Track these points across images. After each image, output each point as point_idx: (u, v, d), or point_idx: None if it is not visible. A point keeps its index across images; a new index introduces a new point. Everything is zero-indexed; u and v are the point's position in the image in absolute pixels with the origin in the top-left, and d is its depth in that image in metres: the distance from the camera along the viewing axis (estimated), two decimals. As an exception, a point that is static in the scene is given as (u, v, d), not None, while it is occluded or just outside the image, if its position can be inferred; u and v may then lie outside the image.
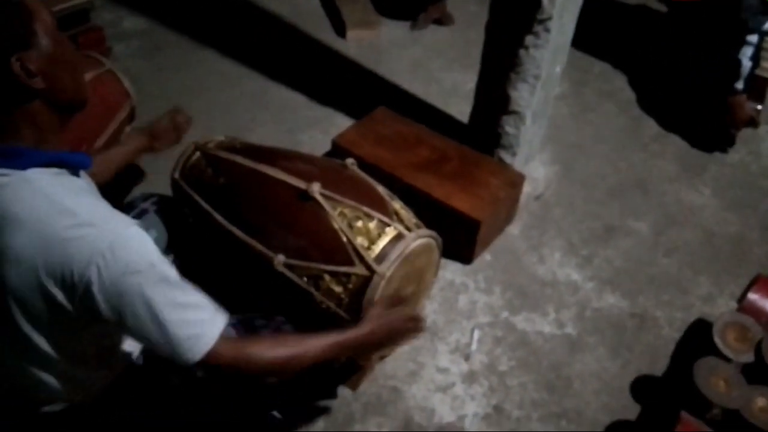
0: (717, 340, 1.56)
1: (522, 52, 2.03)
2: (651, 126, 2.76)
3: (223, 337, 0.99)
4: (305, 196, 1.44)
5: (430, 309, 1.95)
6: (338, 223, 1.40)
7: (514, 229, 2.26)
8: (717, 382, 1.48)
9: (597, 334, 1.93)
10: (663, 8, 3.46)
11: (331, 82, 2.86)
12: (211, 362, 0.98)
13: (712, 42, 2.73)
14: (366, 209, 1.46)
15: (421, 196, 2.01)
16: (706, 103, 2.67)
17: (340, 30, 3.17)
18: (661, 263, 2.17)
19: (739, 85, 2.51)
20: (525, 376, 1.80)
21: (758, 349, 1.56)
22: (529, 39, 2.00)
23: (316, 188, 1.43)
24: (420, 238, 1.47)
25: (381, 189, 1.58)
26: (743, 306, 1.68)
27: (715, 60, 2.65)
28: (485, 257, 2.14)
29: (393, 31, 3.24)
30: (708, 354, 1.58)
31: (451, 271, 2.08)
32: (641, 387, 1.78)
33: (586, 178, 2.49)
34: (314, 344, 1.11)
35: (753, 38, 2.50)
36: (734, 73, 2.52)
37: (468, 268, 2.10)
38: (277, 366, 1.07)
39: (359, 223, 1.43)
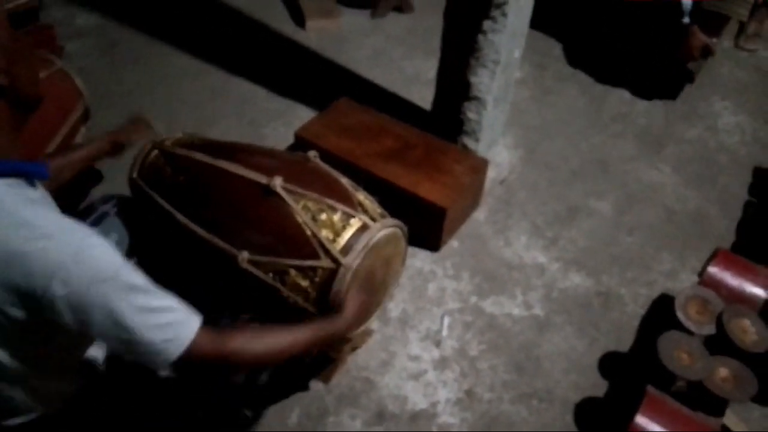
0: (679, 314, 1.60)
1: (480, 37, 2.03)
2: (611, 107, 2.80)
3: (202, 333, 0.97)
4: (267, 190, 1.42)
5: (399, 298, 1.96)
6: (302, 217, 1.39)
7: (480, 214, 2.27)
8: (680, 355, 1.52)
9: (564, 314, 1.96)
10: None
11: (292, 74, 2.83)
12: (193, 359, 0.96)
13: None
14: (330, 201, 1.45)
15: (386, 186, 2.01)
16: (656, 46, 2.72)
17: (300, 20, 3.13)
18: (625, 241, 2.21)
19: (686, 19, 2.58)
20: (495, 359, 1.82)
21: (719, 321, 1.60)
22: (486, 24, 2.00)
23: (278, 182, 1.41)
24: (385, 228, 1.46)
25: (344, 180, 1.57)
26: (704, 279, 1.72)
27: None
28: (453, 244, 2.15)
29: (353, 19, 3.22)
30: (671, 328, 1.62)
31: (419, 259, 2.09)
32: (608, 364, 1.82)
33: (549, 161, 2.52)
34: (297, 335, 1.12)
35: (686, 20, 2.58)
36: (677, 11, 2.58)
37: (436, 255, 2.11)
38: (261, 358, 1.06)
39: (323, 216, 1.41)
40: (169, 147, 1.62)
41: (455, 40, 2.14)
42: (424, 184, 2.03)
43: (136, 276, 0.94)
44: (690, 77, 2.74)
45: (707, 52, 2.64)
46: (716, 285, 1.70)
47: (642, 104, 2.82)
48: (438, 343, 1.84)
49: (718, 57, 3.04)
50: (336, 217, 1.43)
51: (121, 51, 2.88)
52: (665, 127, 2.70)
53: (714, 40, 2.65)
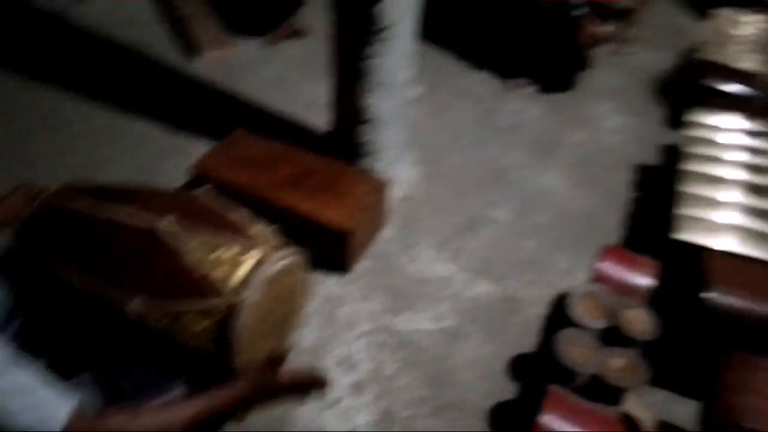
0: (572, 311, 1.69)
1: (368, 61, 2.08)
2: (504, 117, 2.93)
3: (77, 415, 0.93)
4: (155, 234, 1.38)
5: (311, 326, 1.95)
6: (194, 257, 1.36)
7: (387, 232, 2.31)
8: (576, 351, 1.60)
9: (473, 323, 2.02)
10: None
11: (188, 108, 2.78)
12: None
13: None
14: (222, 239, 1.43)
15: (288, 214, 2.00)
16: (553, 41, 2.93)
17: (193, 52, 3.09)
18: (524, 246, 2.31)
19: (577, 12, 2.80)
20: (410, 376, 1.85)
21: (611, 314, 1.70)
22: (373, 48, 2.05)
23: (166, 224, 1.38)
24: (283, 260, 1.46)
25: (238, 214, 1.55)
26: (594, 276, 1.82)
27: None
28: (362, 265, 2.17)
29: (248, 48, 3.21)
30: (569, 325, 1.70)
31: (329, 284, 2.09)
32: (516, 367, 1.89)
33: (449, 175, 2.60)
34: (180, 413, 1.08)
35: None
36: (567, 7, 2.80)
37: (346, 278, 2.12)
38: None
39: (216, 254, 1.39)
40: (52, 196, 1.55)
41: (344, 65, 2.18)
42: (326, 209, 2.04)
43: (3, 352, 0.90)
44: (590, 64, 3.03)
45: (600, 39, 2.88)
46: (606, 280, 1.81)
47: (532, 112, 2.97)
48: (352, 368, 1.85)
49: (599, 62, 3.26)
50: (230, 254, 1.41)
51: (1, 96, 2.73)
52: (554, 133, 2.86)
53: (607, 28, 2.95)
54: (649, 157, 2.73)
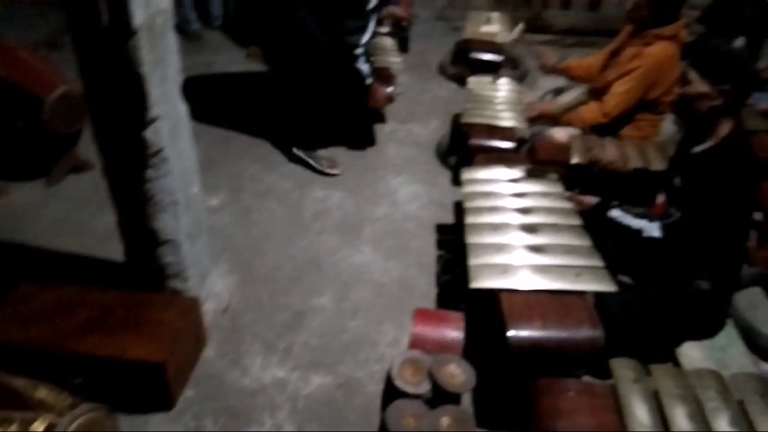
0: (396, 382, 1.73)
1: (148, 185, 2.04)
2: (309, 208, 3.03)
3: None
4: None
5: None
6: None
7: (209, 352, 2.22)
8: (407, 421, 1.63)
9: (314, 420, 1.99)
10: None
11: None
12: None
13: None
14: (1, 414, 1.27)
15: (93, 361, 1.86)
16: (351, 107, 3.37)
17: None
18: (351, 327, 2.35)
19: (369, 80, 3.24)
20: (257, 498, 1.75)
21: (431, 376, 1.77)
22: (150, 172, 2.02)
23: None
24: (78, 419, 1.34)
25: (18, 382, 1.40)
26: (411, 342, 1.90)
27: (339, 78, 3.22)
28: (187, 394, 2.05)
29: (26, 192, 2.99)
30: (399, 396, 1.74)
31: (153, 424, 1.94)
32: (363, 452, 1.88)
33: (266, 275, 2.59)
34: None
35: (359, 50, 3.18)
36: (360, 78, 3.22)
37: (172, 413, 1.98)
38: None
39: (-6, 435, 1.24)
40: None
41: (125, 194, 2.12)
42: (133, 346, 1.91)
43: None
44: (383, 118, 3.65)
45: (390, 100, 3.43)
46: (422, 343, 1.89)
47: (335, 197, 3.11)
48: None
49: (385, 139, 3.56)
50: (13, 428, 1.26)
51: None
52: (359, 213, 3.01)
53: (391, 88, 3.42)
54: (445, 216, 2.98)
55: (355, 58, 3.19)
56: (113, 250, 2.59)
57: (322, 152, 3.38)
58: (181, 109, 2.10)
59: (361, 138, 3.57)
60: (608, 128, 2.98)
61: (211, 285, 2.46)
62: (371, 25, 3.18)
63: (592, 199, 2.23)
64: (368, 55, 3.30)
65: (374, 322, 2.37)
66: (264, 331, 2.31)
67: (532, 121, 3.20)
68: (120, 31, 1.72)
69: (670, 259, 2.02)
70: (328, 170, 3.31)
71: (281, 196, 3.10)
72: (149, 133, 1.93)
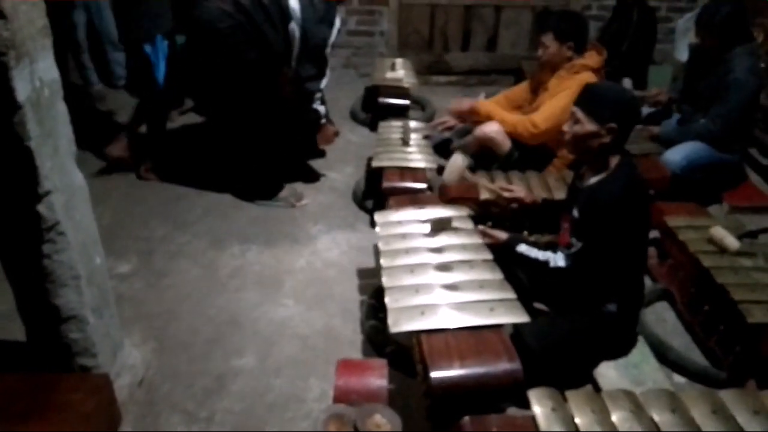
0: (323, 440, 1.69)
1: (46, 261, 1.94)
2: (225, 265, 2.95)
3: None
4: None
5: None
6: None
7: (126, 427, 2.09)
8: (335, 479, 1.60)
9: (241, 490, 1.90)
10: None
11: None
12: None
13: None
14: None
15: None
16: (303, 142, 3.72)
17: None
18: (275, 386, 2.29)
19: (323, 120, 3.56)
20: None
21: (357, 428, 1.74)
22: (47, 247, 1.92)
23: None
24: None
25: None
26: (334, 395, 1.87)
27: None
28: (101, 479, 1.92)
29: None
30: (327, 454, 1.70)
31: None
32: None
33: (183, 340, 2.49)
34: None
35: (319, 95, 3.44)
36: (317, 118, 3.54)
37: (85, 502, 1.84)
38: None
39: None
40: None
41: (21, 271, 2.00)
42: (37, 435, 1.78)
43: None
44: (323, 154, 3.96)
45: (337, 134, 3.78)
46: (346, 395, 1.86)
47: (251, 253, 3.05)
48: None
49: (300, 188, 3.56)
50: None
51: None
52: (277, 265, 2.96)
53: (335, 127, 3.81)
54: (367, 260, 2.99)
55: (313, 100, 3.43)
56: (14, 330, 2.44)
57: (282, 192, 3.49)
58: (78, 179, 2.02)
59: (306, 173, 3.79)
60: (531, 161, 3.15)
61: (124, 358, 2.33)
62: (328, 71, 3.39)
63: (502, 234, 2.30)
64: (323, 97, 3.51)
65: (299, 377, 2.32)
66: (183, 400, 2.21)
67: (460, 117, 3.34)
68: (4, 107, 1.65)
69: (577, 286, 2.11)
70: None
71: (195, 255, 3.02)
72: (42, 208, 1.84)
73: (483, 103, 3.38)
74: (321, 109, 3.51)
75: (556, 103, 3.04)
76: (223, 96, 3.39)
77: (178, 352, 2.43)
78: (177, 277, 2.86)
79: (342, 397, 1.86)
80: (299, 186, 3.62)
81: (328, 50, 3.32)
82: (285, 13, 3.07)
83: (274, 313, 2.66)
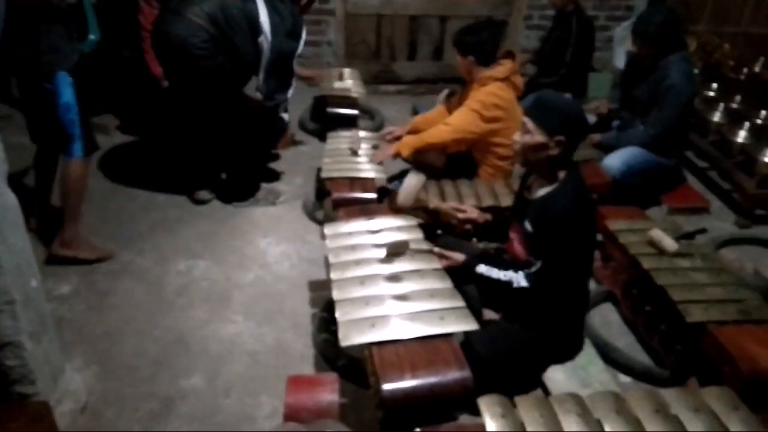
0: (273, 461, 1.66)
1: (-23, 288, 1.85)
2: (171, 282, 2.88)
3: None
4: None
5: None
6: None
7: (67, 458, 2.00)
8: (286, 500, 1.57)
9: None
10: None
11: None
12: None
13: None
14: None
15: None
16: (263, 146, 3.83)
17: None
18: (225, 405, 2.24)
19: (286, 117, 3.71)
20: None
21: (310, 447, 1.71)
22: (-23, 273, 1.83)
23: None
24: None
25: None
26: (285, 413, 1.84)
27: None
28: None
29: None
30: (278, 475, 1.67)
31: None
32: None
33: (128, 363, 2.41)
34: None
35: (284, 105, 3.57)
36: (282, 126, 3.74)
37: None
38: None
39: None
40: None
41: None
42: (-32, 472, 1.68)
43: None
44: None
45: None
46: (297, 413, 1.83)
47: (199, 268, 2.98)
48: None
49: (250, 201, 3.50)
50: None
51: None
52: (226, 281, 2.91)
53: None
54: (318, 273, 2.96)
55: (278, 110, 3.57)
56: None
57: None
58: (10, 199, 1.94)
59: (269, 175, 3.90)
60: (463, 170, 3.18)
61: (65, 384, 2.24)
62: (293, 81, 3.53)
63: (459, 256, 2.27)
64: (287, 106, 3.66)
65: (250, 395, 2.27)
66: (129, 425, 2.13)
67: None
68: None
69: (539, 304, 2.12)
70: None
71: (140, 273, 2.92)
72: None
73: (402, 144, 3.20)
74: (285, 116, 3.68)
75: (465, 107, 3.11)
76: (188, 108, 3.38)
77: (123, 375, 2.35)
78: (121, 297, 2.77)
79: (292, 414, 1.83)
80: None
81: (294, 62, 3.44)
82: (255, 27, 3.16)
83: (223, 330, 2.60)
